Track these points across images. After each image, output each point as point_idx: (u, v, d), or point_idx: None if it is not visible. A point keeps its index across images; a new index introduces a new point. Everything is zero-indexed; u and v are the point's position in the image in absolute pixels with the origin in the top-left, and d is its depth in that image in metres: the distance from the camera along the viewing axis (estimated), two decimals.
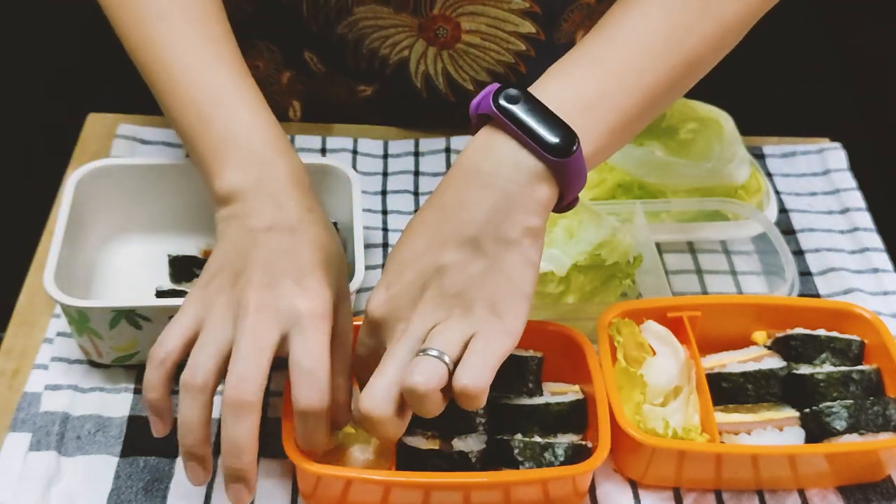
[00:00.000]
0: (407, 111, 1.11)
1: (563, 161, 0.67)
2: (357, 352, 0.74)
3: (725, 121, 1.03)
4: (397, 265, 0.70)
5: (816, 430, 0.81)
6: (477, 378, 0.65)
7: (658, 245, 0.99)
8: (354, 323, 0.83)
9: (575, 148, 0.67)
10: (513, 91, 0.68)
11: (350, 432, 0.76)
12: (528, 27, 1.04)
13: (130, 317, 0.81)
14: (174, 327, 0.72)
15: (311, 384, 0.69)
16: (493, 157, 0.68)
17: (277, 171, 0.77)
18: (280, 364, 0.87)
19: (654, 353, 0.84)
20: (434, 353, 0.66)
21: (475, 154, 0.69)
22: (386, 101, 1.10)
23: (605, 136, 0.71)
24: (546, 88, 0.70)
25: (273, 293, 0.71)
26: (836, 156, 1.13)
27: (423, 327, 0.68)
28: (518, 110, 0.68)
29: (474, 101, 0.70)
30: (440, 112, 1.11)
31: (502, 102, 0.68)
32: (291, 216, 0.75)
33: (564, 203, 0.70)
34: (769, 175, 1.10)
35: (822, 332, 0.86)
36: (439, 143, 1.10)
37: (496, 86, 0.69)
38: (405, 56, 1.06)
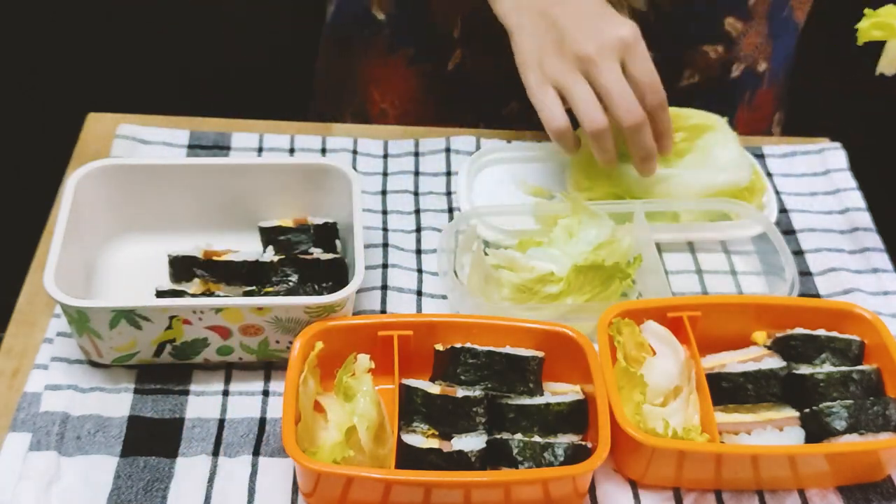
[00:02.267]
0: None
1: None
2: None
3: (719, 124, 1.03)
4: None
5: (816, 430, 0.81)
6: None
7: (658, 245, 0.99)
8: (354, 322, 0.84)
9: None
10: None
11: (350, 455, 0.75)
12: None
13: (130, 317, 0.81)
14: (551, 104, 0.93)
15: (654, 91, 0.93)
16: None
17: None
18: (280, 365, 0.87)
19: (654, 353, 0.84)
20: None
21: None
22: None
23: None
24: None
25: (597, 37, 0.90)
26: (836, 156, 1.13)
27: None
28: None
29: None
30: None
31: None
32: None
33: None
34: (769, 175, 1.10)
35: (822, 332, 0.86)
36: (439, 143, 1.10)
37: None
38: None
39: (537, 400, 0.81)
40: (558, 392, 0.83)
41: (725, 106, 1.14)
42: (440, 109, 1.17)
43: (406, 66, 1.17)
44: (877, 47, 0.94)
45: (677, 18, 1.11)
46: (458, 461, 0.76)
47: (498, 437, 0.79)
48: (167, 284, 0.90)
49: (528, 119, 1.14)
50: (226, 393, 0.85)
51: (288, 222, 0.94)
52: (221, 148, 1.07)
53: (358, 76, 1.22)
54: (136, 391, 0.85)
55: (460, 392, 0.80)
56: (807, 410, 0.82)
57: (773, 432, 0.81)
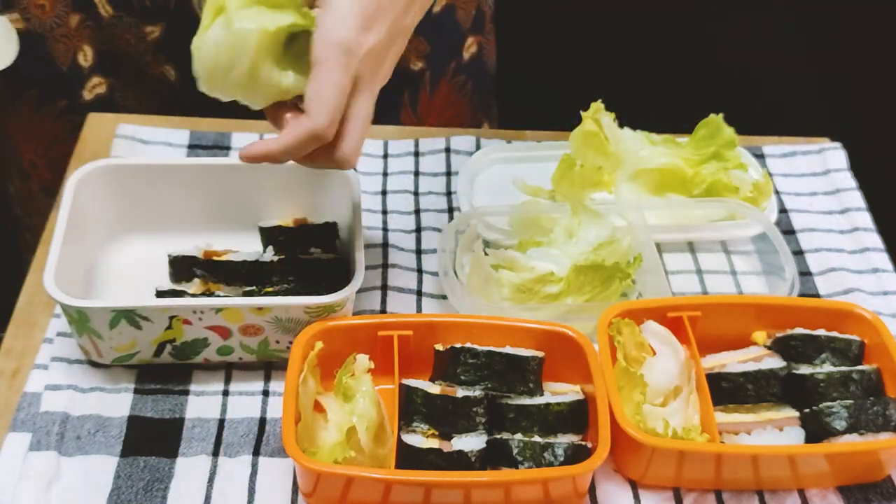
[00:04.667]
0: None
1: None
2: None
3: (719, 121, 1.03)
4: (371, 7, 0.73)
5: (816, 430, 0.81)
6: None
7: (658, 245, 0.99)
8: (354, 322, 0.84)
9: None
10: None
11: (351, 455, 0.75)
12: None
13: (130, 317, 0.81)
14: None
15: None
16: None
17: None
18: (280, 365, 0.87)
19: (654, 353, 0.84)
20: None
21: None
22: (175, 42, 1.03)
23: None
24: None
25: None
26: (836, 156, 1.13)
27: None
28: None
29: None
30: None
31: None
32: None
33: None
34: (769, 175, 1.10)
35: (822, 332, 0.86)
36: (439, 143, 1.10)
37: None
38: None
39: (537, 400, 0.81)
40: (558, 392, 0.83)
41: (385, 110, 1.13)
42: None
43: (35, 110, 1.11)
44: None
45: None
46: (458, 461, 0.76)
47: (498, 437, 0.79)
48: (167, 284, 0.90)
49: None
50: (226, 393, 0.85)
51: (288, 222, 0.94)
52: (221, 148, 1.07)
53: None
54: (136, 391, 0.85)
55: (460, 392, 0.80)
56: (807, 410, 0.82)
57: (773, 432, 0.81)
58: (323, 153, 0.76)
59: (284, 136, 0.74)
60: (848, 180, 1.10)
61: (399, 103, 1.16)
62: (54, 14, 1.06)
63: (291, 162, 0.96)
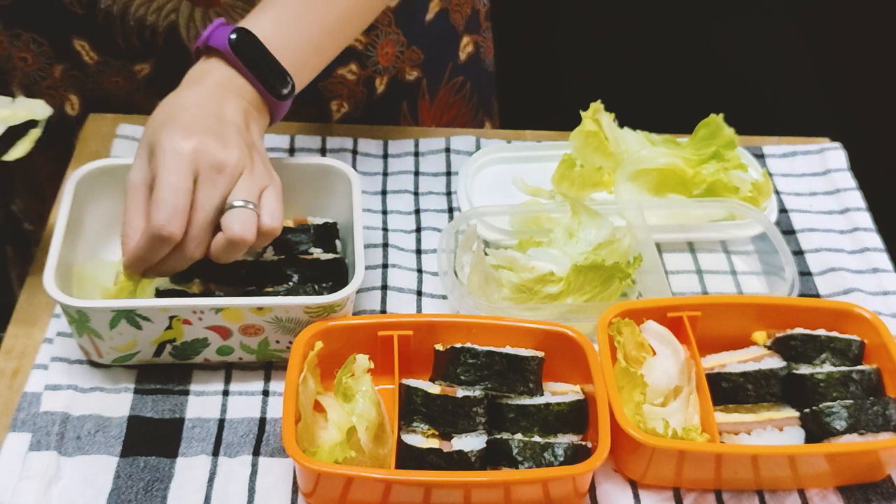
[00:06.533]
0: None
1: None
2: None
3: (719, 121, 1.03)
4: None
5: (816, 430, 0.81)
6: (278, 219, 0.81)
7: (658, 245, 0.99)
8: (354, 322, 0.83)
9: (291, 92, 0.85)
10: (246, 37, 0.83)
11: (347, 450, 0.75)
12: None
13: (130, 317, 0.81)
14: None
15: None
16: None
17: None
18: (280, 365, 0.87)
19: (654, 353, 0.84)
20: (250, 205, 0.79)
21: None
22: (166, 76, 1.02)
23: (309, 75, 0.89)
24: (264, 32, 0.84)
25: None
26: (836, 156, 1.13)
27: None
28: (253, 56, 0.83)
29: (204, 36, 0.83)
30: None
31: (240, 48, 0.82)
32: None
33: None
34: (769, 175, 1.10)
35: (822, 332, 0.86)
36: (439, 143, 1.10)
37: (223, 22, 0.83)
38: (173, 21, 1.03)
39: (537, 400, 0.81)
40: (558, 392, 0.83)
41: (384, 123, 1.14)
42: None
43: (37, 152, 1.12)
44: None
45: None
46: (458, 461, 0.76)
47: (498, 437, 0.79)
48: (167, 284, 0.90)
49: None
50: (226, 393, 0.85)
51: (288, 222, 0.94)
52: None
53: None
54: (136, 391, 0.85)
55: (460, 392, 0.80)
56: (807, 410, 0.82)
57: (773, 432, 0.81)
58: (176, 254, 0.80)
59: (137, 242, 0.79)
60: (848, 180, 1.10)
61: (397, 114, 1.17)
62: (37, 66, 1.06)
63: (291, 161, 0.97)
